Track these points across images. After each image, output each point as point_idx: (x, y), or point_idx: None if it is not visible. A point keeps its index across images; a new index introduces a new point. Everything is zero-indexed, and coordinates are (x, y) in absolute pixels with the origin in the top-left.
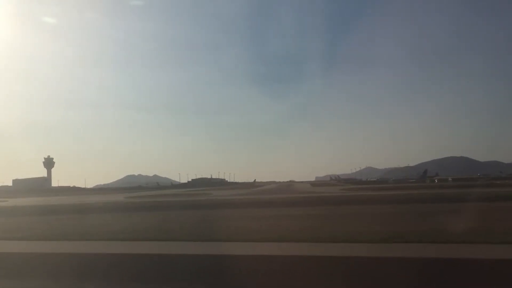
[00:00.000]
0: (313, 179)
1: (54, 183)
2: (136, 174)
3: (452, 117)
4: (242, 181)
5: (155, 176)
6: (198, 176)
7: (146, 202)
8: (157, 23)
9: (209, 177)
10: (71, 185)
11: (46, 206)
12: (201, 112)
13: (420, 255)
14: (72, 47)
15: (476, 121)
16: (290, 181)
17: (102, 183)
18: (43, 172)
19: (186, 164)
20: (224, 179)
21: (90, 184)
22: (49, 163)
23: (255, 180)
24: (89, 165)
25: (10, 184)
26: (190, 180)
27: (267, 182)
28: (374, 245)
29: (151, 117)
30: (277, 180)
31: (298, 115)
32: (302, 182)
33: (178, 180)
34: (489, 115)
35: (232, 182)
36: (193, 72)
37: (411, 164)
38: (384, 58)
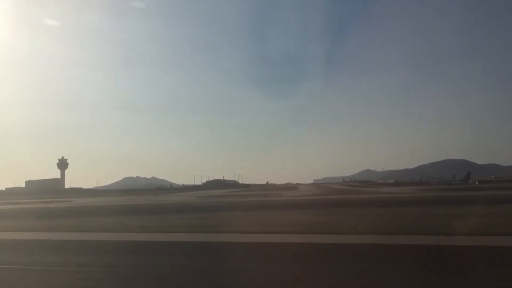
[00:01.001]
0: (311, 181)
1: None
2: (134, 176)
3: (450, 120)
4: (254, 182)
5: (153, 178)
6: (211, 178)
7: (238, 202)
8: (158, 24)
9: (221, 178)
10: (78, 187)
11: (147, 205)
12: (200, 114)
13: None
14: (73, 49)
15: (475, 123)
16: (288, 183)
17: (100, 185)
18: (42, 174)
19: (185, 166)
20: (237, 181)
21: (88, 186)
22: (63, 164)
23: (267, 182)
24: (88, 166)
25: (22, 185)
26: (204, 182)
27: (272, 184)
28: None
29: (150, 118)
30: (276, 182)
31: (297, 117)
32: (310, 184)
33: (177, 183)
34: (488, 118)
35: (244, 184)
36: (193, 73)
37: (410, 167)
38: (383, 60)
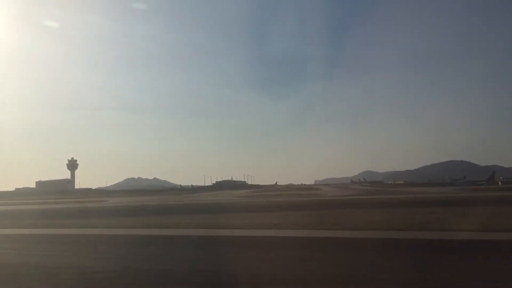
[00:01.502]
0: (312, 182)
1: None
2: (136, 177)
3: (452, 121)
4: (256, 183)
5: (155, 179)
6: (212, 179)
7: (298, 201)
8: (159, 26)
9: (230, 179)
10: (87, 188)
11: (208, 204)
12: (201, 115)
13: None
14: (73, 50)
15: (477, 125)
16: (290, 184)
17: (102, 185)
18: (43, 175)
19: (186, 167)
20: (245, 182)
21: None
22: (72, 165)
23: (276, 183)
24: (89, 167)
25: (29, 185)
26: (214, 182)
27: (280, 185)
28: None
29: (152, 120)
30: (277, 183)
31: (297, 118)
32: (328, 185)
33: (178, 183)
34: (490, 119)
35: (254, 185)
36: (194, 74)
37: (411, 168)
38: (384, 61)
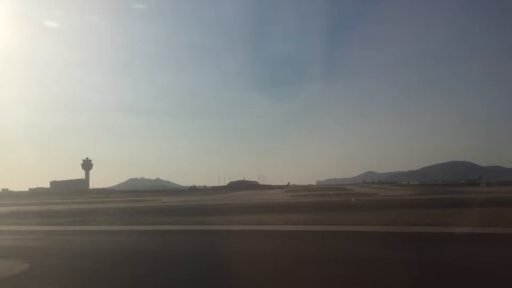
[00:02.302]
0: (314, 183)
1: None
2: (138, 177)
3: (453, 122)
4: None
5: (157, 179)
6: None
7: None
8: (159, 27)
9: (242, 179)
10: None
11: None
12: (202, 116)
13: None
14: (74, 51)
15: (478, 125)
16: (292, 185)
17: (105, 186)
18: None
19: (188, 167)
20: (257, 182)
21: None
22: (87, 165)
23: (289, 183)
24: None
25: (42, 186)
26: (228, 182)
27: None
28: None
29: (153, 120)
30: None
31: (299, 119)
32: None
33: (180, 184)
34: (492, 120)
35: (266, 185)
36: (195, 75)
37: (414, 169)
38: (384, 62)
